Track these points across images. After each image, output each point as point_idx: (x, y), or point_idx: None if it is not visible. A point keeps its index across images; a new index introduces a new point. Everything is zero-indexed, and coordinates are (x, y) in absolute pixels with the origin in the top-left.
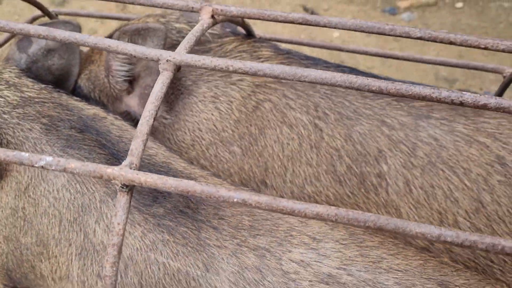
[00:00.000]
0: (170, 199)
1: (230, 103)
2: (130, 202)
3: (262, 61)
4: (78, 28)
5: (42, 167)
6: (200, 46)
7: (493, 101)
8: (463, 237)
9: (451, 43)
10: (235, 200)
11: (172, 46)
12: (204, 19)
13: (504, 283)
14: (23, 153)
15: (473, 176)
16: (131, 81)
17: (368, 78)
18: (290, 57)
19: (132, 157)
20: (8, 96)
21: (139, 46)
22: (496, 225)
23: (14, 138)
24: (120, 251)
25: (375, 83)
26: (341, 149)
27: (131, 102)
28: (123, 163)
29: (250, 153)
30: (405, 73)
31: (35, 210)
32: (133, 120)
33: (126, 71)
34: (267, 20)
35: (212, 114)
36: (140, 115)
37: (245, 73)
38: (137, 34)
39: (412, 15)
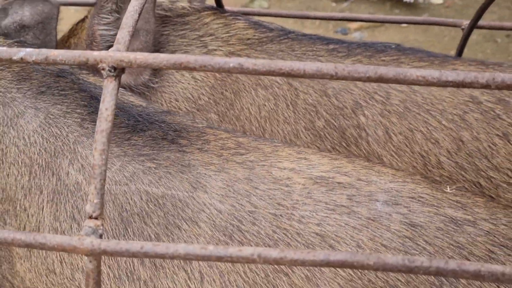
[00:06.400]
0: (149, 130)
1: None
2: (118, 89)
3: (236, 33)
4: (57, 9)
5: (22, 58)
6: (179, 18)
7: None
8: (462, 75)
9: None
10: (231, 65)
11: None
12: None
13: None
14: None
15: (449, 116)
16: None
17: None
18: (263, 29)
19: (119, 45)
20: None
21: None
22: (478, 160)
23: None
24: (109, 139)
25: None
26: (317, 105)
27: None
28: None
29: (227, 118)
30: None
31: (2, 162)
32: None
33: (112, 35)
34: None
35: (189, 83)
36: (126, 82)
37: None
38: None
39: (363, 35)
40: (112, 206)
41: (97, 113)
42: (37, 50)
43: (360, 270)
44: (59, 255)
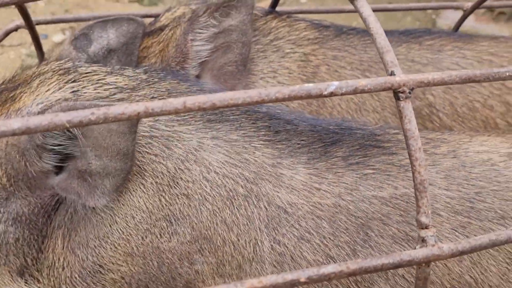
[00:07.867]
0: (345, 141)
1: (290, 74)
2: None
3: (301, 33)
4: (142, 27)
5: (332, 93)
6: None
7: None
8: None
9: None
10: None
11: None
12: None
13: None
14: (305, 85)
15: (497, 85)
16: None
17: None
18: (321, 27)
19: (397, 67)
20: (118, 81)
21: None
22: None
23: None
24: None
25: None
26: None
27: None
28: (396, 74)
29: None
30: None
31: (189, 201)
32: None
33: (208, 50)
34: None
35: None
36: None
37: None
38: (227, 6)
39: None
40: (344, 217)
41: (284, 133)
42: (344, 82)
43: None
44: None
